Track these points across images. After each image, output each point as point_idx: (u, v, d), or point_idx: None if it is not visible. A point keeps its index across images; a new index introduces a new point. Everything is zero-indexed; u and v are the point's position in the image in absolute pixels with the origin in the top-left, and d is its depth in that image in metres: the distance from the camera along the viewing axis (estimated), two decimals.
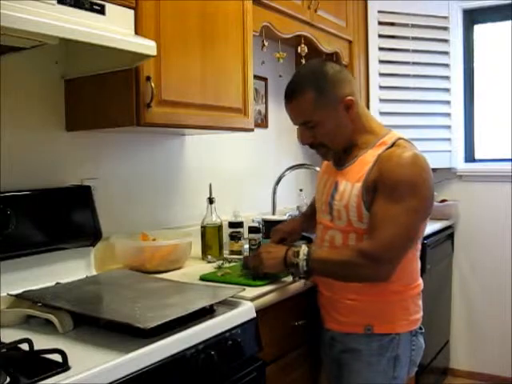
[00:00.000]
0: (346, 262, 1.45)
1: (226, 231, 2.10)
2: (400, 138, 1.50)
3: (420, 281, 1.60)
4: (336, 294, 1.57)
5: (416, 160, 1.44)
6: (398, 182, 1.41)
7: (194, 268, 1.85)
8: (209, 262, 1.94)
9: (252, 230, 2.11)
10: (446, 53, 3.21)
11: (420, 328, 1.59)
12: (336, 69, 1.53)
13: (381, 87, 3.03)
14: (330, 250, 1.56)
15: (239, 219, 2.13)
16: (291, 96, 1.51)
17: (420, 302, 1.59)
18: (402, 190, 1.41)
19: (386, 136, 1.52)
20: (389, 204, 1.41)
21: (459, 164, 3.28)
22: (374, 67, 3.01)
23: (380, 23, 3.02)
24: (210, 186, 2.07)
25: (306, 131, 1.53)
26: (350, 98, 1.49)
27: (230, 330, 1.32)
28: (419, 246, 1.59)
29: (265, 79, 2.69)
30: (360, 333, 1.52)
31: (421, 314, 1.59)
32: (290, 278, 1.64)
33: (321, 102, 1.48)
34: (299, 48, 2.41)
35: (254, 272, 1.61)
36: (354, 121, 1.53)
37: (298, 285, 1.64)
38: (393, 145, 1.48)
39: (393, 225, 1.40)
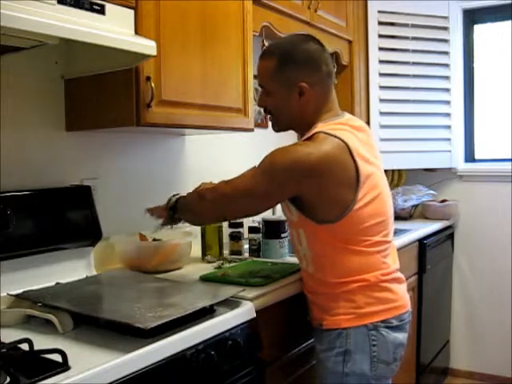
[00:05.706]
0: (198, 197, 1.55)
1: (226, 231, 2.09)
2: (320, 132, 1.41)
3: (378, 272, 1.44)
4: (305, 288, 1.58)
5: (291, 153, 1.40)
6: (261, 161, 1.47)
7: (194, 268, 1.84)
8: (209, 262, 1.94)
9: (252, 229, 2.10)
10: (446, 53, 3.21)
11: (388, 321, 1.43)
12: (311, 50, 1.48)
13: (381, 87, 3.03)
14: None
15: (239, 219, 2.12)
16: (261, 55, 1.55)
17: (381, 294, 1.44)
18: (261, 165, 1.47)
19: (314, 129, 1.44)
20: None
21: (459, 164, 3.28)
22: (374, 67, 3.01)
23: (380, 23, 3.02)
24: None
25: (262, 95, 1.56)
26: (303, 84, 1.45)
27: (229, 330, 1.32)
28: (369, 243, 1.43)
29: None
30: (316, 328, 1.52)
31: (386, 306, 1.44)
32: (289, 279, 1.64)
33: (278, 76, 1.48)
34: None
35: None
36: (304, 111, 1.49)
37: (299, 285, 1.64)
38: (309, 138, 1.42)
39: (237, 179, 1.54)
